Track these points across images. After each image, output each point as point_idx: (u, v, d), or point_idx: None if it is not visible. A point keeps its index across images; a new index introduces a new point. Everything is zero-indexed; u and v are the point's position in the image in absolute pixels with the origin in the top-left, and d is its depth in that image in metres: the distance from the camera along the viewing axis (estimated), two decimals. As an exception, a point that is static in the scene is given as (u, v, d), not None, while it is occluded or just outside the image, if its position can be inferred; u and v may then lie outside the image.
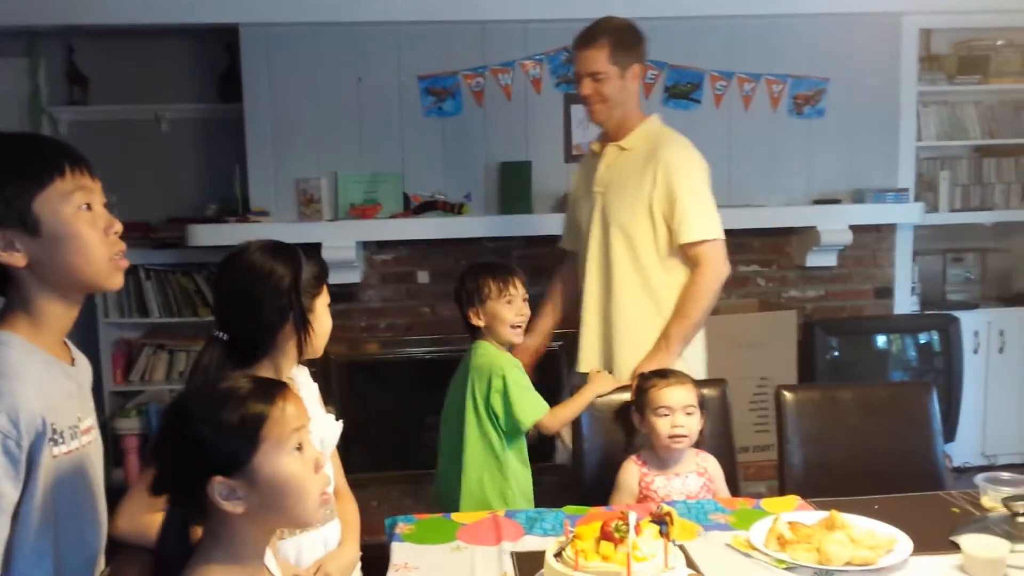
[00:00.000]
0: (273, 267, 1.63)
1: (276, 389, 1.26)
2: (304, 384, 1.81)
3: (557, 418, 2.46)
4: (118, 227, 1.37)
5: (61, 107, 4.26)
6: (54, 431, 1.29)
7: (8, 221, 1.26)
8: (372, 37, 3.97)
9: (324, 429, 1.77)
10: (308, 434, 1.28)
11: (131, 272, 4.24)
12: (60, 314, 1.36)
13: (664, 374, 2.34)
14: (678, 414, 2.22)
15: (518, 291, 2.47)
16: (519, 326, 2.49)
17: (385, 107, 4.02)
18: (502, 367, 2.42)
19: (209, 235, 3.82)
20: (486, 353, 2.46)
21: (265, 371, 1.62)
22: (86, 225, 1.32)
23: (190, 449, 1.20)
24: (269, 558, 1.38)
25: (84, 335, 4.18)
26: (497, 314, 2.46)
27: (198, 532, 1.27)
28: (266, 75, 3.96)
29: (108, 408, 4.18)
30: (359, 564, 1.84)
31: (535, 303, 2.68)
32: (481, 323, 2.47)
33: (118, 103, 4.28)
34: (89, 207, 1.33)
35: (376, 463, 3.93)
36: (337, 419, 1.83)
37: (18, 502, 1.25)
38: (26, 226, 1.27)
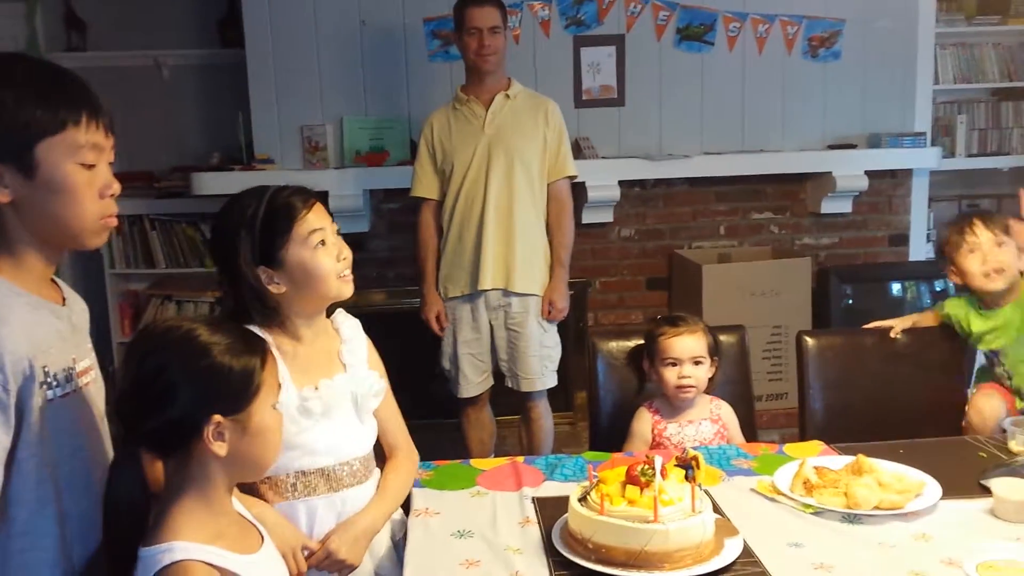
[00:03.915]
0: (234, 202, 1.63)
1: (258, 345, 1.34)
2: (350, 337, 1.76)
3: None
4: (115, 189, 1.30)
5: (59, 53, 4.16)
6: (46, 374, 1.24)
7: (3, 154, 1.20)
8: (375, -23, 3.87)
9: (358, 385, 1.70)
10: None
11: (136, 222, 4.22)
12: (37, 263, 1.29)
13: (675, 321, 2.23)
14: (686, 365, 2.16)
15: (979, 236, 2.27)
16: (990, 273, 2.26)
17: (390, 51, 3.92)
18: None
19: (214, 183, 3.75)
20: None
21: (254, 323, 1.59)
22: (83, 183, 1.25)
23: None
24: (242, 508, 1.39)
25: (91, 286, 4.14)
26: (963, 267, 2.30)
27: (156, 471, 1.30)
28: (267, 18, 3.85)
29: (117, 359, 4.15)
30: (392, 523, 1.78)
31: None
32: (957, 280, 2.35)
33: (117, 49, 4.19)
34: (93, 166, 1.26)
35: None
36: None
37: (13, 449, 1.20)
38: (21, 165, 1.21)
